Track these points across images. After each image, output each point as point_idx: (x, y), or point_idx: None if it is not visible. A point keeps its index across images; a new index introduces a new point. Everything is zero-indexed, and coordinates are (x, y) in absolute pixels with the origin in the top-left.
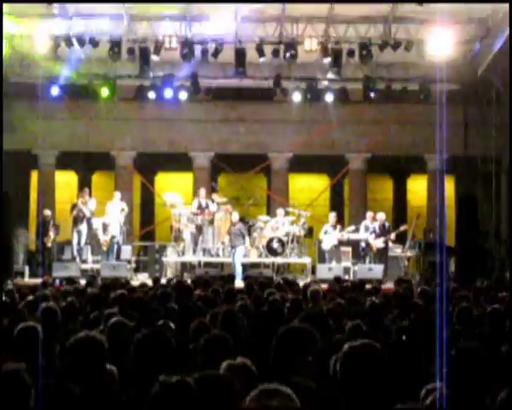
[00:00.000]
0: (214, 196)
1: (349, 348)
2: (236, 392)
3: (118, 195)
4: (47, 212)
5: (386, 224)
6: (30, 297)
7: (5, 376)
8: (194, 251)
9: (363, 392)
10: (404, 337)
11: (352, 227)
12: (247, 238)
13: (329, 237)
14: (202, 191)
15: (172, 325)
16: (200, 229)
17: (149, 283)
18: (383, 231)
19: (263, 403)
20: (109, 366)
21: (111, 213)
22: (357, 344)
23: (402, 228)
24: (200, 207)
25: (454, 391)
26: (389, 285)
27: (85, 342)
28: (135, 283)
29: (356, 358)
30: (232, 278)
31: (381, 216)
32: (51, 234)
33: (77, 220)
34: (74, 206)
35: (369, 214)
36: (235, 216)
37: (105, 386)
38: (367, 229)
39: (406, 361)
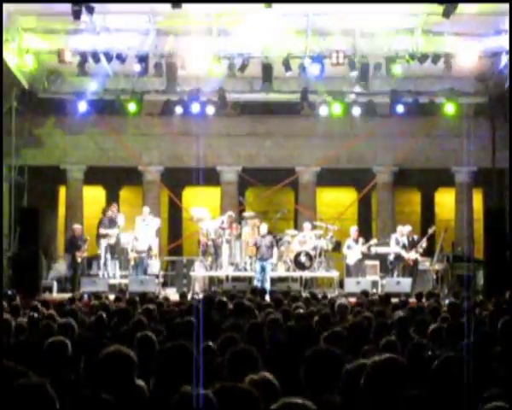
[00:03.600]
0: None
1: (373, 363)
2: (259, 406)
3: (147, 210)
4: (78, 226)
5: (414, 236)
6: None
7: (30, 390)
8: (222, 265)
9: (387, 407)
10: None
11: (375, 241)
12: (275, 251)
13: (353, 251)
14: (232, 214)
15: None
16: (227, 243)
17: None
18: (413, 244)
19: None
20: (139, 381)
21: (140, 228)
22: (381, 359)
23: (430, 231)
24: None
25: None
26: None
27: (115, 356)
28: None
29: (380, 372)
30: (264, 291)
31: (408, 229)
32: (84, 249)
33: (105, 235)
34: (102, 220)
35: (400, 229)
36: (264, 228)
37: (134, 401)
38: (397, 243)
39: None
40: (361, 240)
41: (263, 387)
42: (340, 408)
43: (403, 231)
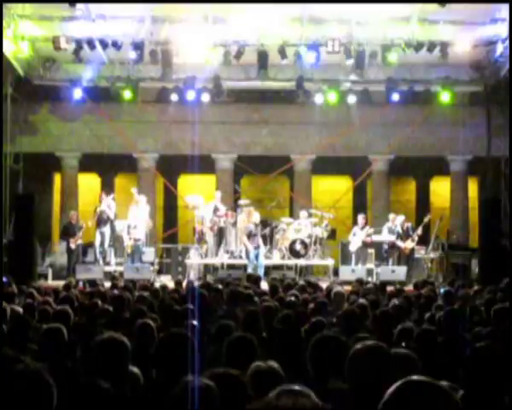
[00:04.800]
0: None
1: (357, 350)
2: (246, 393)
3: (142, 198)
4: (73, 213)
5: (408, 224)
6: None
7: (27, 376)
8: (217, 253)
9: (370, 394)
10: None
11: (372, 229)
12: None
13: (356, 238)
14: (218, 194)
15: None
16: (222, 231)
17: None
18: (407, 233)
19: (281, 402)
20: (133, 368)
21: (135, 216)
22: (365, 346)
23: (426, 219)
24: (215, 210)
25: (471, 392)
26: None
27: (109, 343)
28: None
29: (364, 360)
30: (258, 279)
31: (401, 218)
32: (78, 236)
33: (100, 223)
34: (97, 209)
35: (391, 217)
36: (257, 217)
37: (128, 388)
38: (391, 231)
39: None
40: (367, 228)
41: (268, 376)
42: (346, 394)
43: (395, 220)
